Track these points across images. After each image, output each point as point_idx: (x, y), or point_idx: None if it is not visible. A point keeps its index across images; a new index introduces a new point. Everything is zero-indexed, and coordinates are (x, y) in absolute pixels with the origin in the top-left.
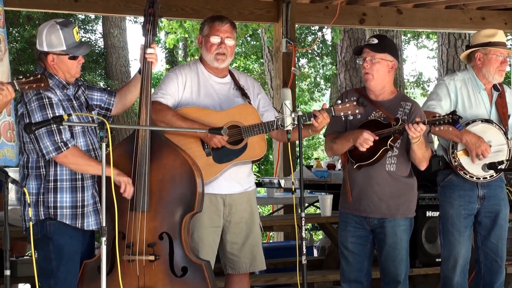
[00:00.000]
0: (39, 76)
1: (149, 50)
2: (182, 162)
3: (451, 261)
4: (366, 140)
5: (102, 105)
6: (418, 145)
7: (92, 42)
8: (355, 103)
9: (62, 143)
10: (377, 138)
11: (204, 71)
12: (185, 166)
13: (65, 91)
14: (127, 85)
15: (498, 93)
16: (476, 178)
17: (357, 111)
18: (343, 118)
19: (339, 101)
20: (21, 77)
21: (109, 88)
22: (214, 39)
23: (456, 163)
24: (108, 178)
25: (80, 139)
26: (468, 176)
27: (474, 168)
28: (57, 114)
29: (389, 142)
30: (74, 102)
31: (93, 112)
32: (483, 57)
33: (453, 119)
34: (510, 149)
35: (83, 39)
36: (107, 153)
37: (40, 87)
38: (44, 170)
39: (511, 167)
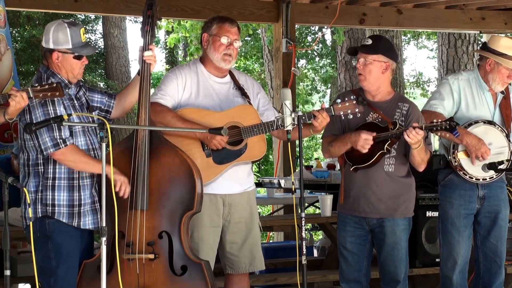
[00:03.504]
0: (54, 84)
1: (146, 53)
2: (181, 161)
3: (450, 261)
4: (366, 140)
5: (102, 107)
6: (418, 151)
7: (92, 42)
8: (355, 102)
9: (60, 140)
10: (374, 134)
11: (204, 71)
12: (184, 165)
13: (66, 90)
14: (127, 87)
15: (503, 96)
16: (476, 179)
17: (357, 110)
18: (343, 118)
19: (339, 100)
20: (36, 85)
21: (110, 91)
22: (224, 40)
23: (456, 164)
24: (108, 178)
25: (81, 138)
26: (467, 177)
27: (474, 169)
28: (57, 111)
29: (386, 146)
30: (75, 101)
31: (93, 113)
32: (494, 65)
33: (450, 125)
34: (511, 151)
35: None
36: (107, 153)
37: (55, 96)
38: (42, 167)
39: (511, 168)
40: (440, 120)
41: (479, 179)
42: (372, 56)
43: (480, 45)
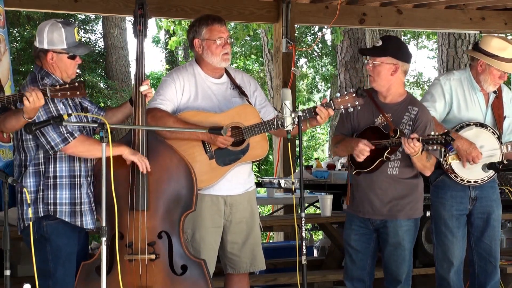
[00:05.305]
0: (76, 84)
1: (142, 88)
2: (179, 161)
3: (446, 261)
4: (362, 151)
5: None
6: (417, 158)
7: (92, 42)
8: (354, 95)
9: (68, 134)
10: (373, 147)
11: (201, 72)
12: (181, 165)
13: None
14: (116, 109)
15: (495, 95)
16: (467, 182)
17: (356, 103)
18: (343, 111)
19: (338, 94)
20: (56, 84)
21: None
22: (220, 41)
23: (447, 166)
24: (106, 177)
25: None
26: (458, 180)
27: (465, 172)
28: (58, 108)
29: (385, 154)
30: (70, 101)
31: (89, 114)
32: (485, 66)
33: (446, 140)
34: (503, 154)
35: (82, 39)
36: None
37: (76, 95)
38: (43, 166)
39: (511, 168)
40: (437, 134)
41: (470, 182)
42: (380, 58)
43: (472, 45)
